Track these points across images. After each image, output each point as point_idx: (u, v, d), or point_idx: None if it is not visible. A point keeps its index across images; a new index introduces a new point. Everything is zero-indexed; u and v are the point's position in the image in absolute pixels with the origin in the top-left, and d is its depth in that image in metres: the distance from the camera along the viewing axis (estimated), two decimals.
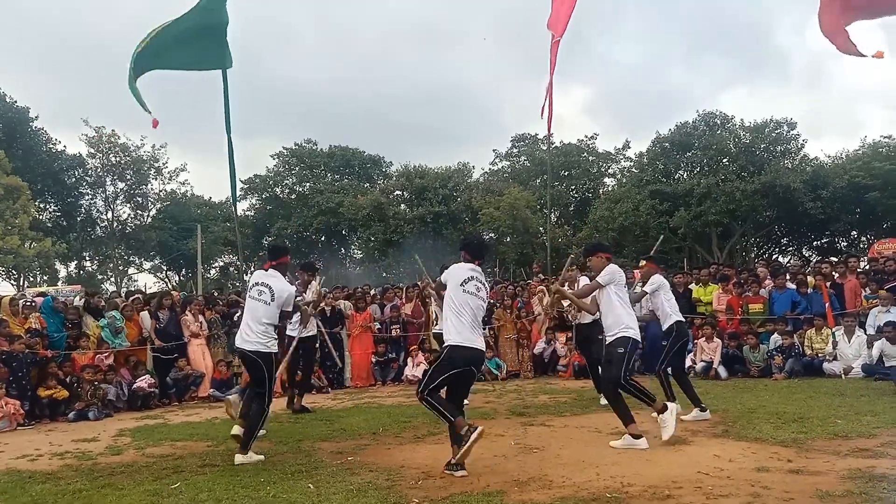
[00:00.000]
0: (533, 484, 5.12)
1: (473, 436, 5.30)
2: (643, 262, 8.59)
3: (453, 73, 73.26)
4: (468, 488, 5.06)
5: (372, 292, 14.60)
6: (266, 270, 6.65)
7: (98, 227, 42.56)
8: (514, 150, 44.38)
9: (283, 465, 6.02)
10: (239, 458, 6.18)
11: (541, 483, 5.13)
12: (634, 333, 6.44)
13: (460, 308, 5.68)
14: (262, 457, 6.28)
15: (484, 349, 5.85)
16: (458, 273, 5.82)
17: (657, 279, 7.80)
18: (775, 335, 11.30)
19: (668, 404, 6.58)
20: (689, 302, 12.55)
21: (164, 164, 42.41)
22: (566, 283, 8.46)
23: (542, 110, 10.82)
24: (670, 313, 7.68)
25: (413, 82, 70.41)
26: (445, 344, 5.72)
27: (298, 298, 7.11)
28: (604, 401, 7.59)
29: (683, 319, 8.01)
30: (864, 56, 4.88)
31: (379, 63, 71.11)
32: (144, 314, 11.52)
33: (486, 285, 5.96)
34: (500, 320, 12.81)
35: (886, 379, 9.40)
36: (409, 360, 12.42)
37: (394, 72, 72.98)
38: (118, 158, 40.32)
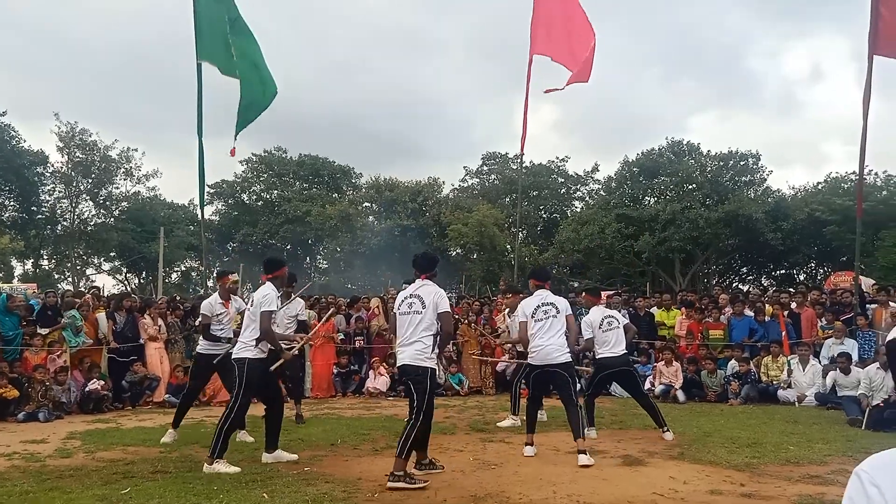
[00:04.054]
0: (490, 500, 5.12)
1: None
2: (509, 294, 9.13)
3: (424, 85, 73.45)
4: (424, 502, 5.04)
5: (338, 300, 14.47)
6: (263, 283, 6.60)
7: (60, 225, 41.55)
8: (485, 168, 44.64)
9: (238, 473, 5.92)
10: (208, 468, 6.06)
11: (498, 499, 5.13)
12: (530, 359, 6.89)
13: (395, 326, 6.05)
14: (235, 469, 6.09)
15: (408, 363, 5.77)
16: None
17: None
18: (732, 361, 11.50)
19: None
20: (650, 325, 12.77)
21: (136, 166, 41.71)
22: (508, 309, 9.00)
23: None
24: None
25: (384, 93, 70.33)
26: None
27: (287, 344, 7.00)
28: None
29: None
30: None
31: (349, 71, 71.00)
32: (101, 315, 11.27)
33: (424, 299, 5.85)
34: (465, 336, 12.81)
35: (838, 408, 9.61)
36: (371, 372, 12.33)
37: (364, 81, 72.98)
38: (86, 155, 39.50)
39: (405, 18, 74.99)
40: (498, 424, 8.76)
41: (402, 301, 5.98)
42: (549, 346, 6.69)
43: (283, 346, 6.71)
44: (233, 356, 6.39)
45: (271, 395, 6.67)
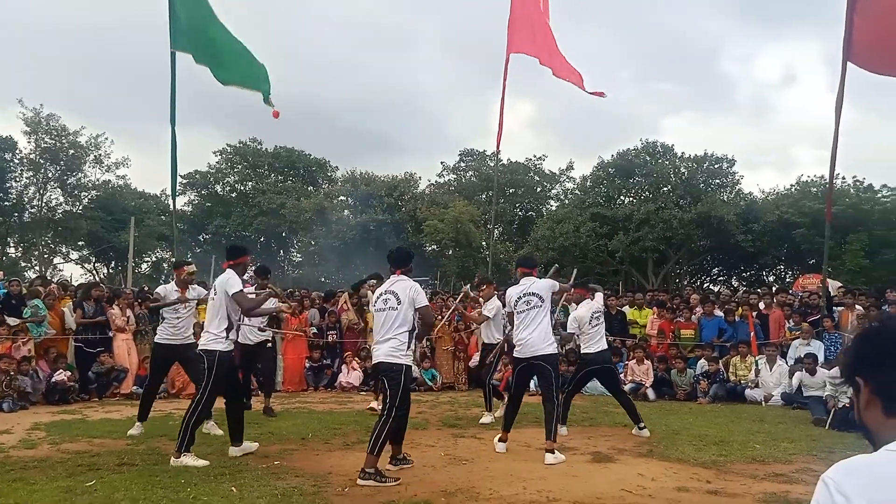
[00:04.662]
0: (460, 495, 5.12)
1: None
2: (483, 286, 9.24)
3: (399, 80, 73.32)
4: (395, 497, 5.02)
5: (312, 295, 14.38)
6: (224, 270, 6.49)
7: (27, 213, 40.68)
8: (462, 164, 44.68)
9: (207, 467, 5.85)
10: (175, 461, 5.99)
11: (468, 495, 5.14)
12: (515, 352, 6.87)
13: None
14: (203, 462, 6.03)
15: (382, 360, 5.77)
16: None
17: (495, 302, 8.74)
18: (702, 360, 11.64)
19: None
20: (621, 324, 12.88)
21: (105, 153, 40.94)
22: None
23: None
24: (495, 333, 8.76)
25: (359, 87, 70.08)
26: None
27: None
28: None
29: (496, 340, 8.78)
30: None
31: (324, 65, 70.59)
32: (68, 306, 11.06)
33: (399, 295, 5.82)
34: (438, 332, 12.79)
35: (804, 408, 9.78)
36: (344, 366, 12.27)
37: (339, 75, 72.56)
38: (54, 141, 38.69)
39: (382, 15, 74.75)
40: (480, 422, 8.69)
41: (378, 297, 5.96)
42: (534, 338, 6.63)
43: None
44: (200, 348, 6.28)
45: (231, 389, 6.52)
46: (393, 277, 5.97)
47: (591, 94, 13.55)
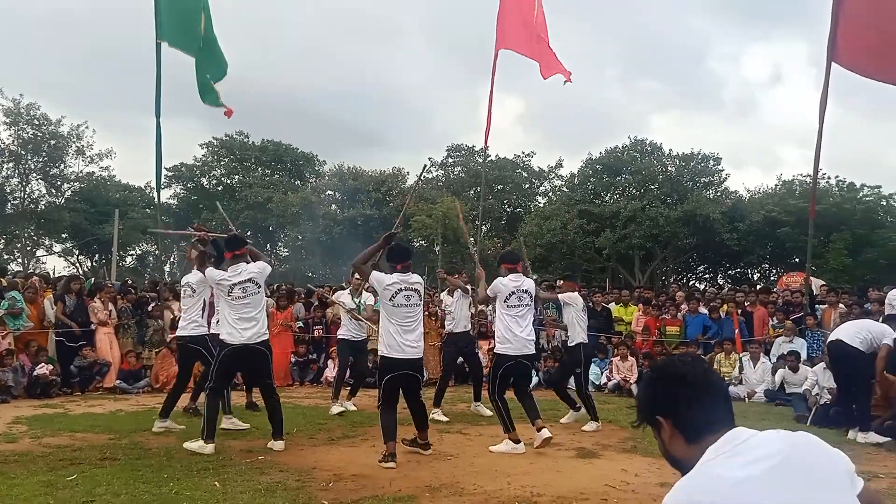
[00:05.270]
0: (444, 490, 5.12)
1: None
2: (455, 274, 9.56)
3: (386, 73, 73.01)
4: (379, 492, 5.02)
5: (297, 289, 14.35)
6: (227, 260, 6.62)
7: (9, 204, 40.19)
8: (450, 160, 44.60)
9: (189, 461, 5.83)
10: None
11: (452, 490, 5.14)
12: (506, 349, 6.79)
13: (388, 317, 5.97)
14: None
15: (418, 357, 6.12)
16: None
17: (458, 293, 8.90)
18: None
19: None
20: (607, 320, 12.93)
21: (87, 144, 40.45)
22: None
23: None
24: (458, 321, 9.02)
25: (345, 79, 69.76)
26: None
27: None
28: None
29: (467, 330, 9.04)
30: None
31: (308, 57, 70.12)
32: (48, 299, 10.95)
33: (420, 291, 6.14)
34: (425, 327, 12.77)
35: (787, 405, 9.87)
36: (330, 362, 12.23)
37: (323, 68, 72.14)
38: (35, 131, 38.18)
39: (366, 6, 74.45)
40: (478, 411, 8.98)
41: (398, 292, 5.96)
42: (526, 338, 6.76)
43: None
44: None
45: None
46: (405, 274, 6.06)
47: (560, 77, 13.31)
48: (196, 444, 6.19)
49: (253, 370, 6.80)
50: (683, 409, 1.72)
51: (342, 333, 9.39)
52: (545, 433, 6.53)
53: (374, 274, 6.06)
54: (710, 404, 1.72)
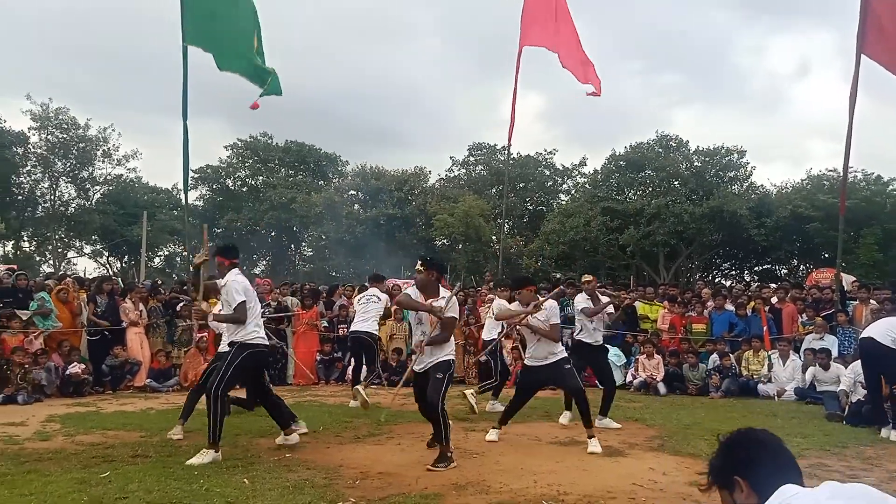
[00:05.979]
0: (471, 488, 5.13)
1: None
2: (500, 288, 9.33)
3: (402, 70, 73.06)
4: (406, 490, 5.04)
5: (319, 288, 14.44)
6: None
7: (39, 207, 40.95)
8: (471, 159, 44.52)
9: (220, 460, 5.89)
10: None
11: (478, 488, 5.15)
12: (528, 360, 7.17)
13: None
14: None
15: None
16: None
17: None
18: (714, 355, 11.59)
19: None
20: (632, 318, 12.84)
21: (114, 147, 41.10)
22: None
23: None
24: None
25: (362, 78, 69.85)
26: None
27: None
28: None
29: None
30: None
31: (328, 58, 70.37)
32: (81, 299, 11.16)
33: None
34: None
35: (817, 403, 9.73)
36: (354, 360, 12.28)
37: (343, 68, 72.37)
38: (63, 135, 38.85)
39: (386, 5, 74.56)
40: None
41: (449, 304, 6.17)
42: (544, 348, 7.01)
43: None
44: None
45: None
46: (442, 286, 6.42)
47: (587, 91, 13.40)
48: (198, 459, 5.85)
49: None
50: (762, 470, 1.90)
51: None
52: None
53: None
54: (784, 466, 1.95)
